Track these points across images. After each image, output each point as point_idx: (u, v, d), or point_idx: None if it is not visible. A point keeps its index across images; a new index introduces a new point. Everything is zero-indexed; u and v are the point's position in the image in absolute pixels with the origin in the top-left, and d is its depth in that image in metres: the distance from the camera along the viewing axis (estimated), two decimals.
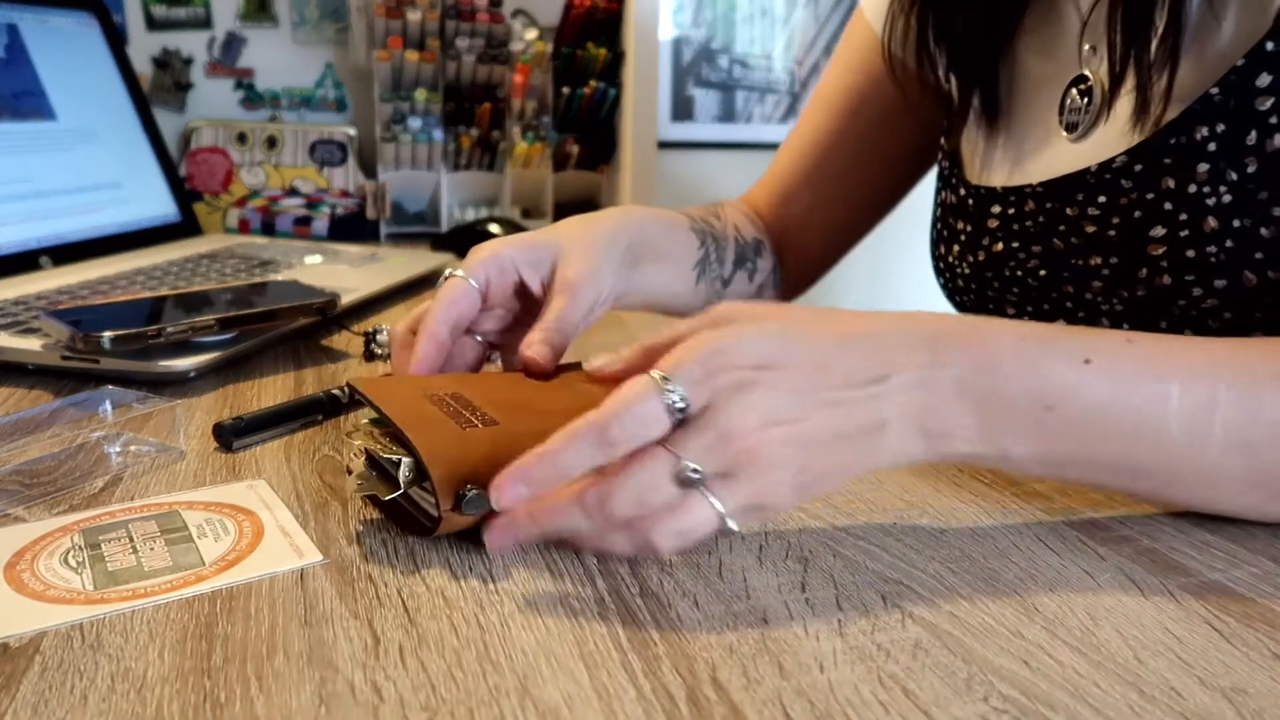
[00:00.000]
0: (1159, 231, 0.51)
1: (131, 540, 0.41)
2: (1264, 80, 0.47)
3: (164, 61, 1.37)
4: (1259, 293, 0.49)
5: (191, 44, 1.38)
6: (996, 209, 0.61)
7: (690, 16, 1.88)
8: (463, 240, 1.25)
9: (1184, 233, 0.50)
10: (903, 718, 0.30)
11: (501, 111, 1.41)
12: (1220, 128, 0.49)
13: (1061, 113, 0.58)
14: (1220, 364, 0.40)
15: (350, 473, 0.42)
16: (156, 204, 1.06)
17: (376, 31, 1.34)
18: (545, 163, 1.43)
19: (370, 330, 0.69)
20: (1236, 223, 0.49)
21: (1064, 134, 0.58)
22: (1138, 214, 0.52)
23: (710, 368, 0.37)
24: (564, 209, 1.49)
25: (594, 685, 0.31)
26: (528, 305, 0.55)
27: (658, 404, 0.36)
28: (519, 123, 1.41)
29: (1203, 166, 0.49)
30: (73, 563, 0.39)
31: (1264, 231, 0.48)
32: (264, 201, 1.30)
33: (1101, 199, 0.54)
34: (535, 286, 0.54)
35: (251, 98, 1.41)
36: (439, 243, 1.21)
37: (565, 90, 1.43)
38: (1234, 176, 0.48)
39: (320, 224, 1.27)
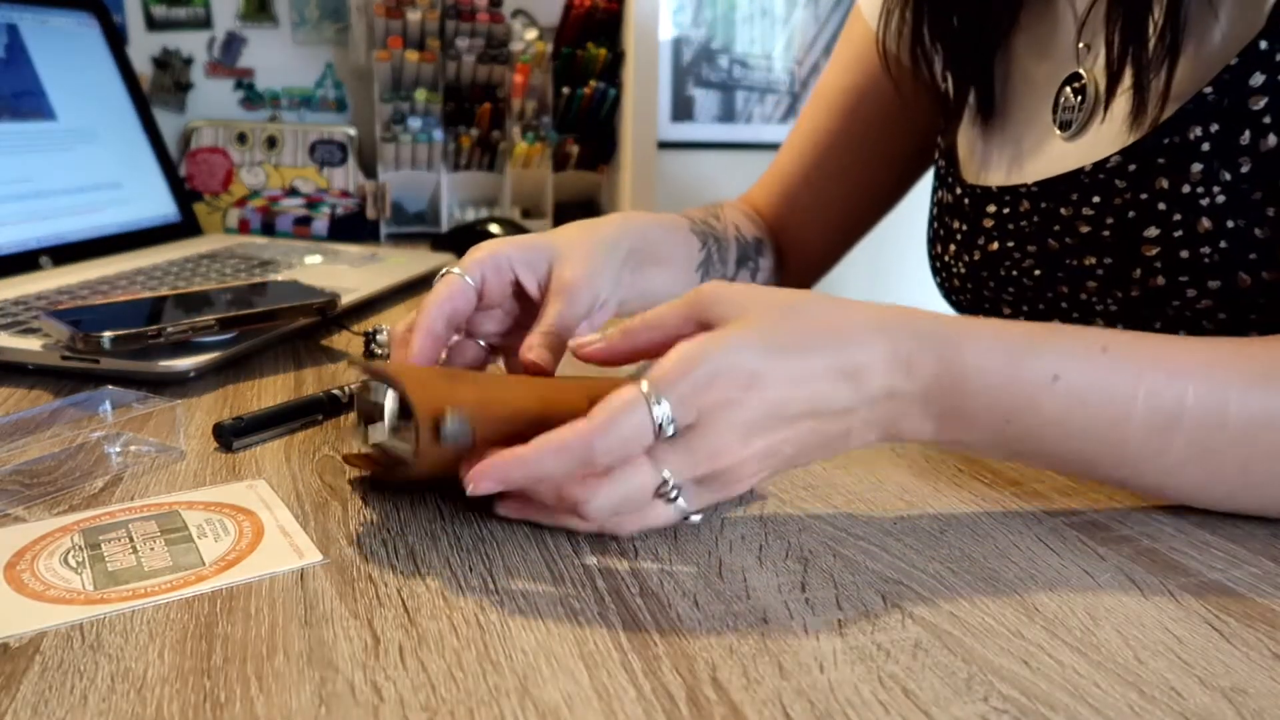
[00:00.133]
0: (1153, 232, 0.51)
1: (131, 540, 0.41)
2: (1258, 79, 0.47)
3: (164, 61, 1.37)
4: (1253, 293, 0.49)
5: (191, 44, 1.38)
6: (992, 208, 0.61)
7: (690, 16, 1.88)
8: (463, 240, 1.25)
9: (1178, 233, 0.50)
10: (903, 718, 0.30)
11: (501, 111, 1.41)
12: (1214, 127, 0.49)
13: (1055, 111, 0.58)
14: (1191, 369, 0.41)
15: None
16: (156, 204, 1.06)
17: (376, 31, 1.34)
18: (545, 163, 1.43)
19: (370, 330, 0.69)
20: (1230, 223, 0.49)
21: (1058, 132, 0.58)
22: (1132, 214, 0.52)
23: (698, 384, 0.38)
24: (564, 209, 1.49)
25: (594, 685, 0.31)
26: (526, 307, 0.55)
27: (645, 420, 0.38)
28: (519, 123, 1.41)
29: (1196, 166, 0.49)
30: (73, 563, 0.39)
31: (1258, 232, 0.48)
32: (264, 201, 1.30)
33: (1096, 199, 0.54)
34: (532, 287, 0.54)
35: (251, 98, 1.41)
36: (439, 243, 1.21)
37: (565, 90, 1.43)
38: (1228, 177, 0.48)
39: (320, 224, 1.27)
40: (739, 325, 0.40)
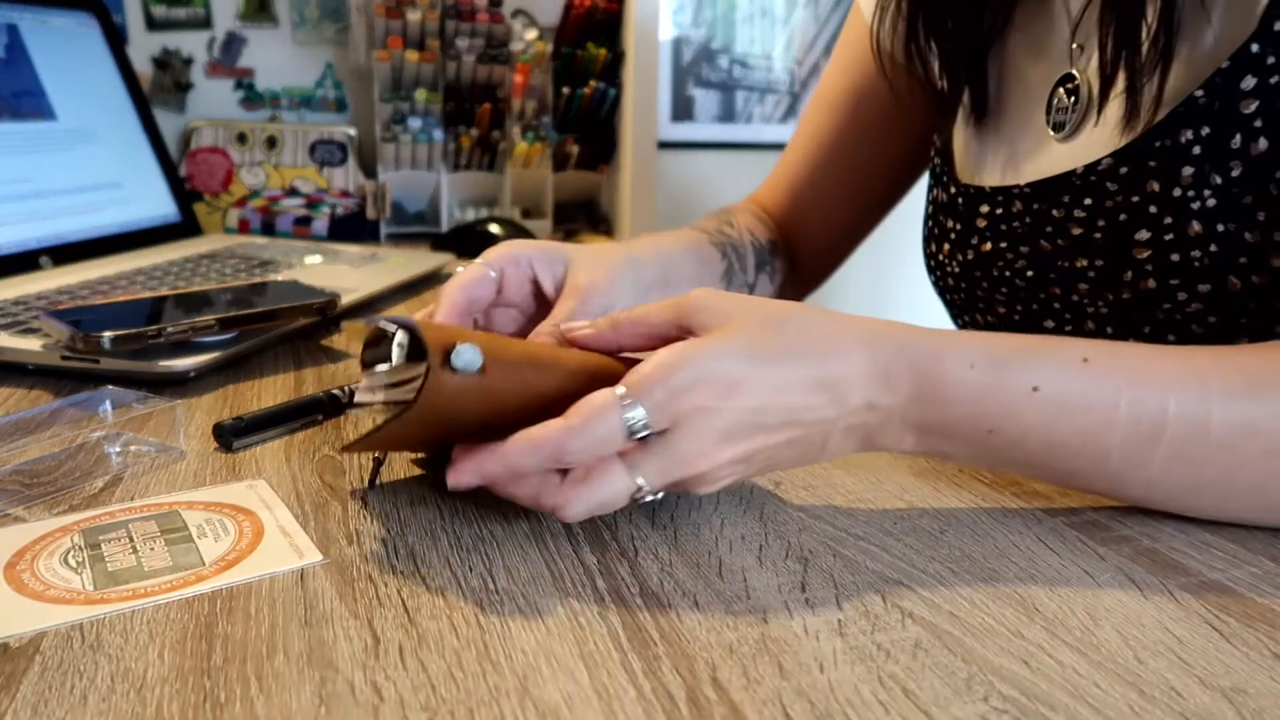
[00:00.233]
0: (1144, 235, 0.51)
1: (131, 540, 0.41)
2: (1249, 83, 0.47)
3: (164, 61, 1.37)
4: (1243, 297, 0.49)
5: (191, 44, 1.38)
6: (985, 209, 0.61)
7: (690, 16, 1.88)
8: (463, 240, 1.25)
9: (1168, 236, 0.50)
10: (903, 718, 0.30)
11: (501, 111, 1.41)
12: (1205, 131, 0.49)
13: (1049, 112, 0.58)
14: (1173, 379, 0.41)
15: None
16: (156, 204, 1.06)
17: (376, 31, 1.34)
18: (545, 163, 1.43)
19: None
20: (1220, 227, 0.49)
21: (1051, 133, 0.58)
22: (1123, 217, 0.52)
23: (676, 391, 0.38)
24: (564, 209, 1.49)
25: (594, 685, 0.31)
26: (542, 311, 0.56)
27: (618, 424, 0.38)
28: (519, 123, 1.41)
29: (1187, 170, 0.49)
30: (73, 563, 0.39)
31: (1248, 236, 0.48)
32: (264, 201, 1.30)
33: (1087, 201, 0.54)
34: (548, 286, 0.55)
35: (251, 98, 1.41)
36: (439, 243, 1.21)
37: (565, 90, 1.43)
38: (1218, 180, 0.48)
39: (320, 224, 1.27)
40: (721, 333, 0.40)
